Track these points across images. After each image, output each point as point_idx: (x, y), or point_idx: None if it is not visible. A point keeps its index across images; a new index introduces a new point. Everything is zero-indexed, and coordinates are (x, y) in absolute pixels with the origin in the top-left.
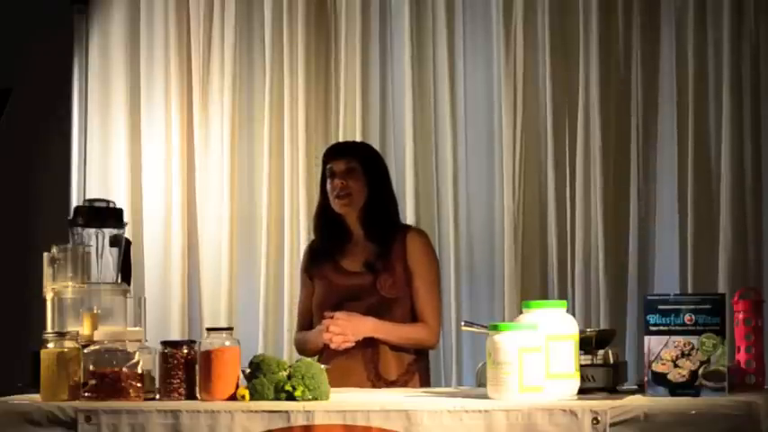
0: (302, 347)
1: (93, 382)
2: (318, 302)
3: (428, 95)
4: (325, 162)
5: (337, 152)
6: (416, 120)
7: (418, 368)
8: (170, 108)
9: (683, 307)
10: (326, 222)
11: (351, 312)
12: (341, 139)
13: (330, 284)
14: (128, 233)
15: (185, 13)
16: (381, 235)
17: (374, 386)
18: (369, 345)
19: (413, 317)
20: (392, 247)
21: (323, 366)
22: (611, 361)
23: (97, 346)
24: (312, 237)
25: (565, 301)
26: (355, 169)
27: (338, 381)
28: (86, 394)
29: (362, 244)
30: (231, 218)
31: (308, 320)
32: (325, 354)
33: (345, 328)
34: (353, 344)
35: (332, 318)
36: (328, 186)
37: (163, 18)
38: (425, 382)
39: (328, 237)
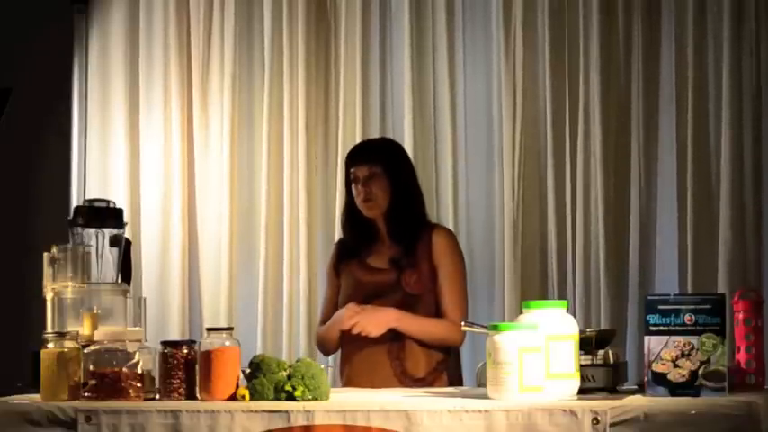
0: (321, 342)
1: (93, 382)
2: (344, 299)
3: (428, 95)
4: (348, 165)
5: (359, 157)
6: (416, 120)
7: (447, 367)
8: (170, 108)
9: (683, 307)
10: (353, 221)
11: (368, 306)
12: (341, 139)
13: (356, 281)
14: (127, 233)
15: (185, 12)
16: (405, 234)
17: (401, 383)
18: (394, 339)
19: (438, 315)
20: (418, 245)
21: (323, 366)
22: (611, 361)
23: (97, 346)
24: (339, 236)
25: (565, 301)
26: (377, 174)
27: (365, 375)
28: (86, 394)
29: (389, 242)
30: (231, 217)
31: (330, 316)
32: (346, 349)
33: (366, 323)
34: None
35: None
36: (353, 190)
37: (162, 18)
38: (456, 381)
39: (356, 235)
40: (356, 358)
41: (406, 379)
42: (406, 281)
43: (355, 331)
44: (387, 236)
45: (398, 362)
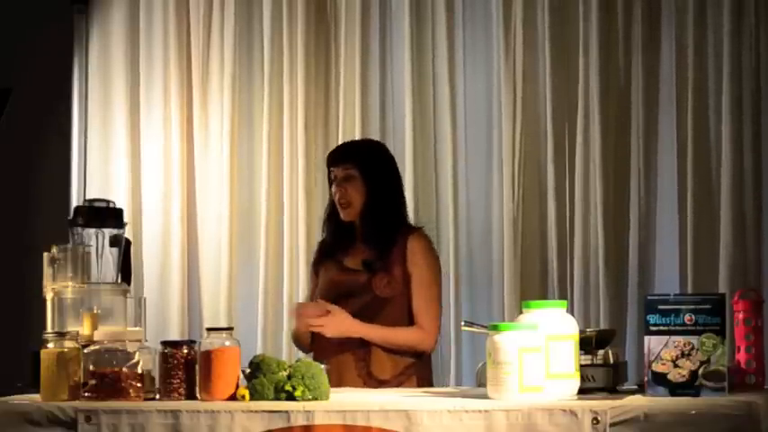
0: (295, 338)
1: (93, 382)
2: (318, 297)
3: (428, 95)
4: (327, 165)
5: (336, 158)
6: (416, 120)
7: (416, 371)
8: (170, 108)
9: (683, 307)
10: (334, 221)
11: (338, 308)
12: (340, 139)
13: (330, 280)
14: (127, 233)
15: (185, 12)
16: (380, 237)
17: (365, 384)
18: (361, 345)
19: (410, 320)
20: (393, 249)
21: (323, 366)
22: (611, 361)
23: (97, 346)
24: (322, 235)
25: (565, 302)
26: (353, 176)
27: (334, 374)
28: (86, 394)
29: (363, 244)
30: (231, 217)
31: None
32: (317, 350)
33: (328, 324)
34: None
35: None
36: (332, 190)
37: (162, 18)
38: (424, 383)
39: (335, 236)
40: (326, 360)
41: (371, 380)
42: (377, 283)
43: (314, 329)
44: (360, 238)
45: (364, 364)
